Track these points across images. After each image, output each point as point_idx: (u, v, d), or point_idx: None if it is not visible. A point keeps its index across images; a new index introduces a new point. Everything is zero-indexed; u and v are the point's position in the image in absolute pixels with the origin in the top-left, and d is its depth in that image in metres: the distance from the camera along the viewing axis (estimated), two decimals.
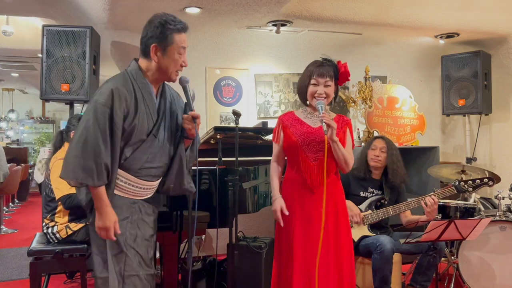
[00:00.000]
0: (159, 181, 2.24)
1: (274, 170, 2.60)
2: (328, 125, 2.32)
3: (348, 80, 2.55)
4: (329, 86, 2.45)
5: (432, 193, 3.13)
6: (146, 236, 2.18)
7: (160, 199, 2.44)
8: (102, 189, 2.00)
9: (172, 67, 2.11)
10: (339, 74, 2.50)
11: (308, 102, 2.54)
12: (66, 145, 3.26)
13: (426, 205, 3.04)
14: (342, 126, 2.54)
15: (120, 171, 2.08)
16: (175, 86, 2.25)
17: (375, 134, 4.71)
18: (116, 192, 2.09)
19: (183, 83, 2.17)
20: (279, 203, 2.46)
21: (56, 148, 3.29)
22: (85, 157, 1.94)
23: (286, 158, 2.60)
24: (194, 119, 2.13)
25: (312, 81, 2.46)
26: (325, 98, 2.44)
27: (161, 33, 2.06)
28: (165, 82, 2.22)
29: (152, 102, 2.13)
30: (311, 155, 2.44)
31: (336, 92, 2.56)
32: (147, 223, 2.19)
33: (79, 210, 3.11)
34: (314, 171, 2.44)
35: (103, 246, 2.08)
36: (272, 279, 2.56)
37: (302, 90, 2.53)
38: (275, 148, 2.59)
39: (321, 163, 2.44)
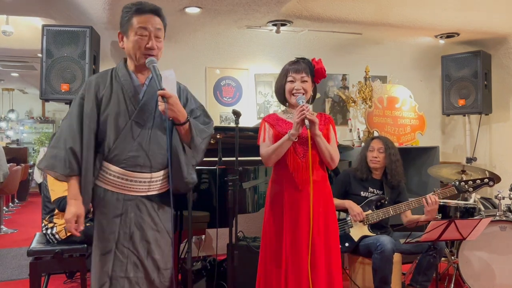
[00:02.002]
0: (156, 174, 2.08)
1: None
2: (310, 120, 2.31)
3: (324, 76, 2.55)
4: (306, 81, 2.46)
5: (432, 193, 3.13)
6: (147, 238, 2.06)
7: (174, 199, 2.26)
8: (72, 180, 2.00)
9: (136, 50, 2.05)
10: (314, 71, 2.51)
11: (287, 103, 2.55)
12: None
13: (427, 203, 3.04)
14: (325, 123, 2.54)
15: (106, 163, 2.04)
16: (184, 79, 2.18)
17: (375, 134, 4.71)
18: (107, 187, 2.05)
19: (147, 64, 2.06)
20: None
21: None
22: (55, 146, 2.01)
23: None
24: (163, 98, 1.98)
25: (289, 78, 2.48)
26: (303, 94, 2.44)
27: (123, 18, 2.08)
28: (161, 72, 2.12)
29: (131, 89, 2.07)
30: (299, 152, 2.45)
31: (314, 91, 2.56)
32: (148, 224, 2.06)
33: None
34: (302, 167, 2.43)
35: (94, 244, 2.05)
36: (257, 279, 2.54)
37: (279, 90, 2.55)
38: (263, 145, 2.51)
39: (308, 160, 2.43)
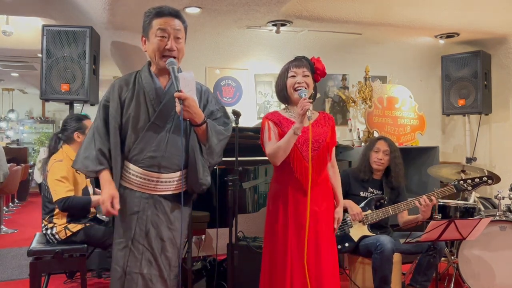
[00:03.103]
0: (172, 174, 2.13)
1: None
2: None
3: (324, 74, 2.54)
4: (307, 76, 2.45)
5: (432, 192, 3.13)
6: (162, 236, 2.12)
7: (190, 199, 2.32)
8: (104, 171, 2.10)
9: (155, 52, 2.10)
10: (314, 68, 2.50)
11: (288, 103, 2.53)
12: (64, 147, 3.21)
13: (420, 204, 3.04)
14: (329, 123, 2.53)
15: (127, 163, 2.13)
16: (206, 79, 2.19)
17: (375, 134, 4.71)
18: (126, 185, 2.13)
19: (167, 65, 2.09)
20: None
21: (52, 152, 3.22)
22: (86, 148, 2.14)
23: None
24: (180, 100, 2.01)
25: (290, 74, 2.47)
26: (306, 88, 2.41)
27: (144, 23, 2.15)
28: (181, 74, 2.13)
29: (152, 92, 2.12)
30: (306, 155, 2.42)
31: (314, 89, 2.55)
32: (164, 222, 2.13)
33: (76, 211, 3.11)
34: (308, 170, 2.42)
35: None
36: (261, 280, 2.53)
37: (281, 87, 2.52)
38: (269, 144, 2.45)
39: (315, 162, 2.42)
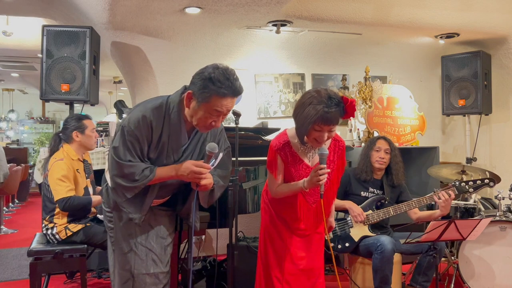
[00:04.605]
0: (168, 197, 2.29)
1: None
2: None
3: (353, 116, 2.27)
4: (333, 130, 2.23)
5: (432, 193, 3.13)
6: (161, 234, 2.20)
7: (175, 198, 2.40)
8: (157, 170, 2.05)
9: (200, 122, 2.02)
10: (345, 114, 2.20)
11: (302, 141, 2.33)
12: (65, 147, 3.22)
13: (439, 198, 3.00)
14: (337, 151, 2.45)
15: None
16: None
17: (375, 134, 4.71)
18: None
19: (207, 150, 2.06)
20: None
21: (53, 151, 3.23)
22: (122, 175, 2.04)
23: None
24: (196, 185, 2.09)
25: (316, 128, 2.17)
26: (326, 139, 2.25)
27: (202, 87, 1.96)
28: None
29: (178, 139, 2.09)
30: (310, 198, 2.40)
31: None
32: (160, 221, 2.21)
33: (77, 211, 3.11)
34: (311, 215, 2.43)
35: (111, 246, 2.18)
36: (256, 282, 2.55)
37: (302, 127, 2.21)
38: (274, 181, 2.37)
39: (319, 205, 2.38)
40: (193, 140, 2.15)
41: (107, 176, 2.19)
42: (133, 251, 2.12)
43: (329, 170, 2.22)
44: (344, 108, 2.17)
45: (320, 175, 2.16)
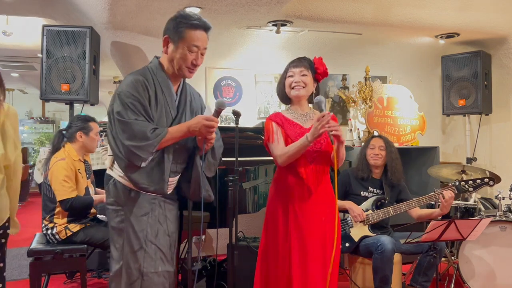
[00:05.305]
0: (177, 177, 2.26)
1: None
2: (336, 136, 2.28)
3: (326, 74, 2.54)
4: (305, 75, 2.46)
5: (433, 192, 3.13)
6: (169, 232, 2.21)
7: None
8: (169, 129, 2.08)
9: (181, 63, 2.12)
10: (315, 68, 2.49)
11: (290, 103, 2.56)
12: (66, 146, 3.22)
13: (444, 197, 3.02)
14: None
15: None
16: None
17: (375, 134, 4.71)
18: (136, 188, 2.13)
19: (216, 105, 2.15)
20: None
21: (55, 148, 3.24)
22: (133, 137, 2.02)
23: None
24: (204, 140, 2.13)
25: (289, 74, 2.49)
26: (303, 87, 2.44)
27: (174, 27, 2.10)
28: (185, 80, 2.25)
29: (171, 97, 2.17)
30: (309, 156, 2.42)
31: (317, 89, 2.55)
32: (169, 219, 2.23)
33: (79, 211, 3.11)
34: (312, 172, 2.43)
35: (119, 243, 2.13)
36: (255, 278, 2.53)
37: (280, 88, 2.56)
38: (276, 146, 2.45)
39: (318, 163, 2.44)
40: (181, 97, 2.22)
41: (111, 171, 2.17)
42: (143, 248, 2.11)
43: (331, 114, 2.29)
44: (312, 61, 2.51)
45: (326, 122, 2.23)
